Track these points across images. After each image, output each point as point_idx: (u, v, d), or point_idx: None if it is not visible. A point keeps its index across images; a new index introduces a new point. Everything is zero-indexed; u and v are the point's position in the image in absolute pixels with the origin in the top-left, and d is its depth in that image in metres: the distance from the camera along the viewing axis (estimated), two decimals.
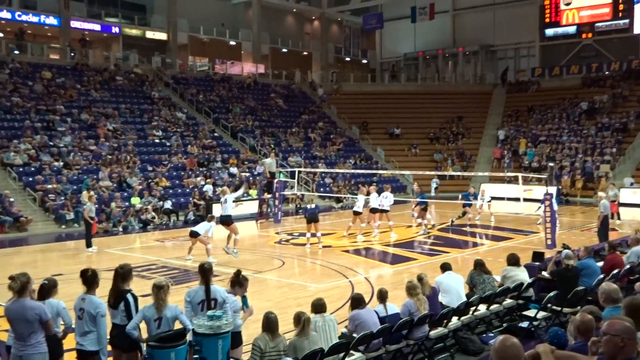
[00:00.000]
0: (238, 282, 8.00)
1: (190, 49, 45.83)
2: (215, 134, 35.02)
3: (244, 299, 7.95)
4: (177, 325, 7.02)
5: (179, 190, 27.96)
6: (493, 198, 27.67)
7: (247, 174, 31.24)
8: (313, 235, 19.18)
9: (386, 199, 21.55)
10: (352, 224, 21.73)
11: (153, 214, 24.98)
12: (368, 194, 21.77)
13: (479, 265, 10.82)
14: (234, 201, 18.34)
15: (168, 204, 25.97)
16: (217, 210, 21.22)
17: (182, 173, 29.33)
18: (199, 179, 28.94)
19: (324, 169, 34.32)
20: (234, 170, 31.23)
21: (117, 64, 37.55)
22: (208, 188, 27.74)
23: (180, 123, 34.03)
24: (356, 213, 21.42)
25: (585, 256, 11.29)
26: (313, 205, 20.05)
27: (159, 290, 6.96)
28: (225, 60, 46.48)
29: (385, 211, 21.44)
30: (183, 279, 14.62)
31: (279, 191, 25.58)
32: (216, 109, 37.66)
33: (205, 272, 7.58)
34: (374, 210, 21.41)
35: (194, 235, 16.89)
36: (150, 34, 43.42)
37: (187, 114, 35.64)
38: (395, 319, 8.53)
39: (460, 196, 25.20)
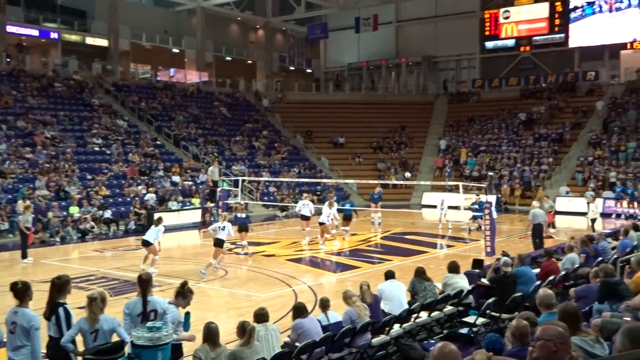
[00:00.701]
0: (182, 294, 7.86)
1: (132, 56, 45.10)
2: (158, 142, 34.52)
3: (186, 315, 7.74)
4: (116, 338, 6.87)
5: (120, 200, 27.43)
6: (433, 206, 28.10)
7: (190, 182, 30.91)
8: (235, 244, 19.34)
9: (306, 207, 21.78)
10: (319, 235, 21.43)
11: (92, 223, 24.42)
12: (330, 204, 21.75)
13: (420, 273, 10.95)
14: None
15: (108, 214, 25.45)
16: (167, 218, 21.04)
17: (123, 182, 28.79)
18: (140, 187, 28.46)
19: (268, 177, 34.23)
20: (176, 178, 30.83)
21: (55, 70, 36.62)
22: (150, 197, 27.32)
23: (121, 131, 33.42)
24: (321, 224, 21.12)
25: (519, 264, 11.55)
26: (244, 215, 20.18)
27: (92, 303, 6.79)
28: (168, 68, 45.92)
29: (306, 218, 21.58)
30: (123, 289, 14.32)
31: (222, 200, 25.37)
32: (158, 117, 37.14)
33: (142, 283, 7.44)
34: (304, 217, 21.77)
35: (147, 244, 16.52)
36: (90, 40, 42.56)
37: (128, 121, 35.02)
38: (337, 327, 8.55)
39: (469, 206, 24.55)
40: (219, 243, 16.73)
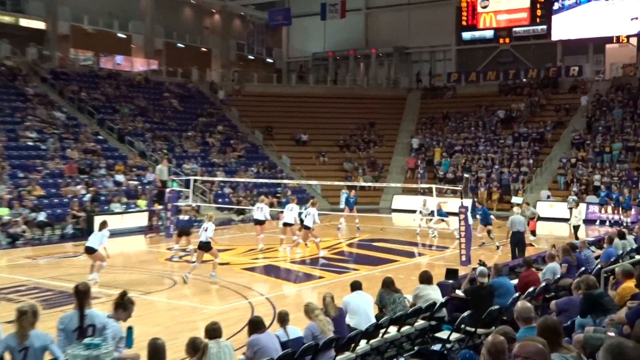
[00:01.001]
0: (122, 305, 7.72)
1: (72, 41, 44.38)
2: (100, 137, 34.04)
3: (129, 330, 7.60)
4: (49, 356, 6.72)
5: (56, 201, 26.95)
6: (406, 211, 28.28)
7: (136, 182, 30.56)
8: (184, 250, 19.35)
9: (260, 211, 21.99)
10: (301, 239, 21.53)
11: (24, 227, 23.95)
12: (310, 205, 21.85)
13: (389, 284, 10.97)
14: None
15: (42, 216, 24.99)
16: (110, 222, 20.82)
17: (60, 181, 28.31)
18: (79, 187, 28.02)
19: (222, 177, 34.03)
20: (120, 178, 30.44)
21: None
22: (89, 198, 26.92)
23: (59, 124, 32.88)
24: (306, 227, 21.14)
25: (495, 275, 11.65)
26: (186, 217, 20.05)
27: (21, 317, 6.64)
28: (113, 55, 45.34)
29: (260, 222, 21.85)
30: (58, 301, 14.06)
31: (172, 202, 25.13)
32: (101, 109, 36.65)
33: (79, 295, 7.30)
34: (258, 222, 22.02)
35: (91, 251, 16.23)
36: (25, 22, 41.76)
37: (67, 113, 34.45)
38: (298, 343, 8.49)
39: (476, 214, 24.18)
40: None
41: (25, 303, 6.94)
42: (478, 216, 23.16)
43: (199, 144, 38.29)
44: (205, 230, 17.14)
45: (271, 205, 33.10)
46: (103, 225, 16.65)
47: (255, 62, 56.76)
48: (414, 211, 27.30)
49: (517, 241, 19.04)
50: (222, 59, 52.18)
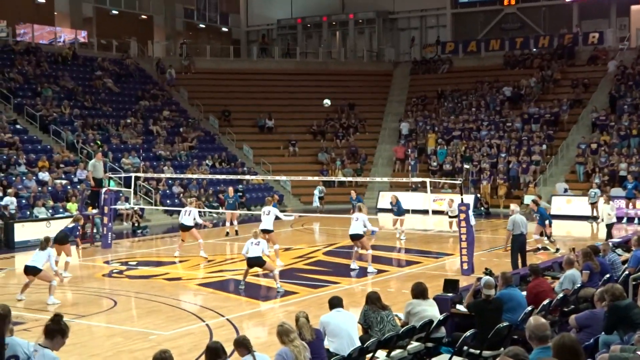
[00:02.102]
0: (60, 331, 7.63)
1: None
2: (18, 126, 33.77)
3: None
4: None
5: None
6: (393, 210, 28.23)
7: (64, 181, 30.41)
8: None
9: (188, 215, 22.49)
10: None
11: None
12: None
13: (374, 300, 11.04)
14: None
15: None
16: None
17: None
18: None
19: (171, 174, 33.94)
20: (44, 176, 30.24)
21: None
22: (8, 201, 26.71)
23: None
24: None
25: (504, 285, 11.76)
26: (72, 225, 20.17)
27: None
28: (32, 24, 44.92)
29: (187, 228, 22.54)
30: None
31: (109, 205, 25.03)
32: (18, 92, 36.34)
33: None
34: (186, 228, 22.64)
35: (35, 271, 16.33)
36: None
37: None
38: None
39: (535, 214, 24.17)
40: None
41: None
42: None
43: (140, 133, 38.12)
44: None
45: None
46: (46, 243, 16.82)
47: (207, 31, 56.51)
48: (405, 211, 27.38)
49: (520, 246, 19.13)
50: (167, 29, 51.88)
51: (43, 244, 16.77)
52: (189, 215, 22.53)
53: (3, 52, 39.65)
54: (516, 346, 6.35)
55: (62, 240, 19.76)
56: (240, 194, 35.24)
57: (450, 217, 25.97)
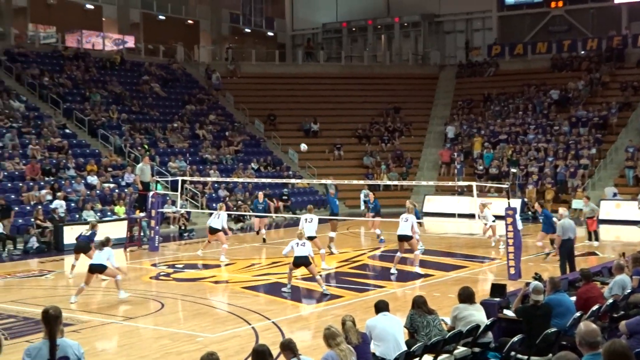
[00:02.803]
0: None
1: (30, 14, 44.64)
2: (67, 131, 34.24)
3: None
4: None
5: (16, 208, 27.14)
6: (440, 214, 28.23)
7: (112, 185, 30.74)
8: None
9: (217, 219, 23.13)
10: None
11: None
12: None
13: (420, 304, 10.99)
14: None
15: (0, 227, 25.19)
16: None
17: (21, 184, 28.54)
18: (44, 192, 28.20)
19: (216, 177, 34.15)
20: (93, 179, 30.62)
21: None
22: (58, 204, 27.07)
23: (17, 116, 33.11)
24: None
25: (552, 291, 11.65)
26: (89, 232, 20.27)
27: None
28: (80, 30, 45.56)
29: (216, 231, 22.99)
30: (23, 330, 14.21)
31: (156, 208, 25.26)
32: (68, 97, 36.85)
33: (50, 321, 7.36)
34: (214, 231, 23.05)
35: (100, 269, 16.95)
36: None
37: (26, 102, 34.68)
38: None
39: (540, 217, 24.02)
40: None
41: None
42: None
43: (187, 137, 38.43)
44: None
45: (276, 210, 33.47)
46: (107, 242, 17.34)
47: (252, 36, 56.81)
48: (450, 215, 27.29)
49: (569, 251, 18.91)
50: (213, 34, 52.25)
51: (101, 245, 17.22)
52: (218, 218, 23.03)
53: (52, 57, 40.26)
54: (567, 352, 6.27)
55: (85, 248, 20.13)
56: (286, 197, 35.43)
57: (485, 222, 25.21)
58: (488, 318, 11.26)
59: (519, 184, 36.23)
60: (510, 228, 19.02)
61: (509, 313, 11.75)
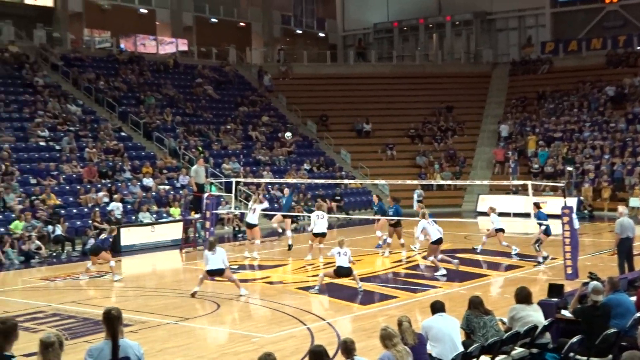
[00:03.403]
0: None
1: (85, 20, 45.33)
2: (123, 134, 34.69)
3: None
4: None
5: (74, 211, 27.57)
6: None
7: (167, 187, 31.06)
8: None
9: (253, 213, 23.82)
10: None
11: (38, 243, 24.58)
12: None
13: (477, 304, 10.90)
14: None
15: (59, 230, 25.59)
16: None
17: (78, 187, 28.96)
18: (101, 194, 28.61)
19: (270, 178, 34.31)
20: (148, 181, 30.97)
21: None
22: (114, 206, 27.44)
23: (74, 119, 33.61)
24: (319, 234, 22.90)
25: (611, 291, 11.47)
26: (105, 236, 20.63)
27: (47, 349, 6.79)
28: (135, 35, 46.13)
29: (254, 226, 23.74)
30: (82, 330, 14.42)
31: (211, 209, 25.45)
32: (123, 100, 37.33)
33: (111, 321, 7.46)
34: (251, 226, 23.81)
35: (220, 272, 17.46)
36: (30, 0, 42.84)
37: (83, 106, 35.21)
38: None
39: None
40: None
41: (50, 333, 7.14)
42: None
43: (240, 138, 38.66)
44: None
45: (329, 210, 33.47)
46: (215, 243, 17.79)
47: (304, 37, 56.99)
48: (505, 214, 26.89)
49: (627, 250, 18.58)
50: (265, 36, 52.51)
51: (212, 246, 17.60)
52: (254, 213, 23.57)
53: (108, 62, 40.83)
54: (634, 351, 6.18)
55: (95, 251, 20.40)
56: (339, 198, 35.43)
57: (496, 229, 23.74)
58: (546, 318, 11.14)
59: (575, 182, 35.77)
60: (566, 227, 18.79)
61: (566, 313, 11.60)
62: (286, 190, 27.82)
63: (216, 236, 18.41)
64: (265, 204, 25.26)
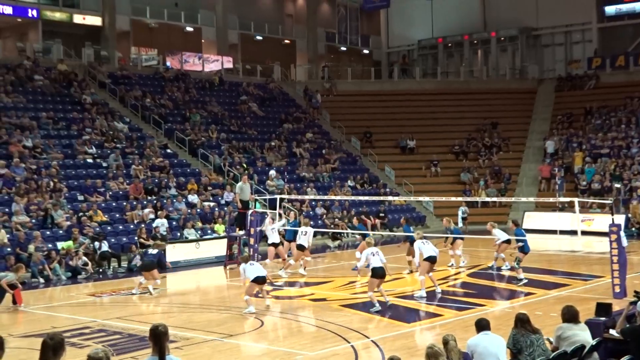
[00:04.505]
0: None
1: (133, 38, 45.96)
2: (168, 151, 35.02)
3: None
4: None
5: (120, 227, 27.85)
6: (541, 231, 27.67)
7: (212, 203, 31.25)
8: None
9: (304, 235, 23.54)
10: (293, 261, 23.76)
11: (85, 259, 24.87)
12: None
13: (524, 322, 10.78)
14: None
15: (105, 246, 25.86)
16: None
17: (124, 203, 29.26)
18: (146, 211, 28.86)
19: (314, 195, 34.36)
20: (193, 198, 31.19)
21: (35, 59, 37.57)
22: (160, 223, 27.66)
23: (121, 136, 34.02)
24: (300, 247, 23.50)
25: None
26: (154, 251, 20.86)
27: None
28: (181, 52, 46.65)
29: (304, 248, 23.52)
30: (128, 346, 14.55)
31: (255, 226, 25.53)
32: (169, 117, 37.71)
33: (158, 338, 7.52)
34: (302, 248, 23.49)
35: (263, 280, 17.94)
36: (79, 19, 43.52)
37: (129, 124, 35.64)
38: None
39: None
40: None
41: (98, 349, 7.22)
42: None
43: (284, 155, 38.80)
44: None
45: (373, 227, 33.43)
46: (248, 257, 18.82)
47: (348, 54, 57.15)
48: (552, 231, 26.70)
49: None
50: (309, 52, 52.76)
51: (247, 259, 18.42)
52: (305, 235, 23.53)
53: (154, 79, 41.31)
54: None
55: (148, 267, 20.67)
56: (383, 214, 35.34)
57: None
58: (593, 338, 10.98)
59: (623, 199, 35.29)
60: (614, 245, 18.54)
61: (614, 333, 11.43)
62: (292, 214, 27.77)
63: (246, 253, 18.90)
64: (282, 221, 25.57)
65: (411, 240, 22.75)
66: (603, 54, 47.77)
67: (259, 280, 17.63)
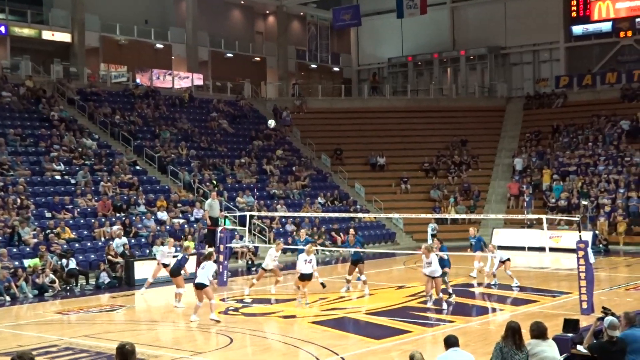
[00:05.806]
0: None
1: (102, 55, 45.78)
2: (138, 168, 34.83)
3: None
4: None
5: (88, 244, 27.60)
6: (509, 247, 27.84)
7: (182, 220, 31.09)
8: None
9: (308, 263, 20.82)
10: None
11: (52, 276, 24.59)
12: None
13: (515, 332, 10.49)
14: None
15: (73, 263, 25.59)
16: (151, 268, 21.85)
17: (93, 220, 29.04)
18: (115, 228, 28.65)
19: (284, 212, 34.30)
20: (162, 215, 31.02)
21: (3, 75, 37.28)
22: (117, 243, 27.33)
23: (90, 153, 33.81)
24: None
25: (627, 326, 11.33)
26: (180, 255, 21.38)
27: None
28: (151, 69, 46.51)
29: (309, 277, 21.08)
30: None
31: (225, 243, 25.44)
32: (138, 134, 37.54)
33: (125, 357, 7.45)
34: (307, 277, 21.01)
35: (202, 287, 18.01)
36: (48, 35, 43.30)
37: (98, 140, 35.42)
38: None
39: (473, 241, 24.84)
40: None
41: None
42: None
43: (254, 172, 38.73)
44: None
45: (343, 244, 33.39)
46: (209, 256, 18.74)
47: (319, 71, 57.34)
48: (520, 248, 26.80)
49: None
50: (280, 70, 52.85)
51: (206, 257, 18.78)
52: (309, 263, 20.89)
53: (123, 96, 41.15)
54: None
55: (176, 272, 20.85)
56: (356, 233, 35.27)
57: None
58: (561, 354, 11.01)
59: (590, 216, 35.59)
60: (582, 262, 18.66)
61: (581, 349, 11.48)
62: (302, 232, 27.59)
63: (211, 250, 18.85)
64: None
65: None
66: (570, 73, 48.27)
67: (197, 286, 18.10)
